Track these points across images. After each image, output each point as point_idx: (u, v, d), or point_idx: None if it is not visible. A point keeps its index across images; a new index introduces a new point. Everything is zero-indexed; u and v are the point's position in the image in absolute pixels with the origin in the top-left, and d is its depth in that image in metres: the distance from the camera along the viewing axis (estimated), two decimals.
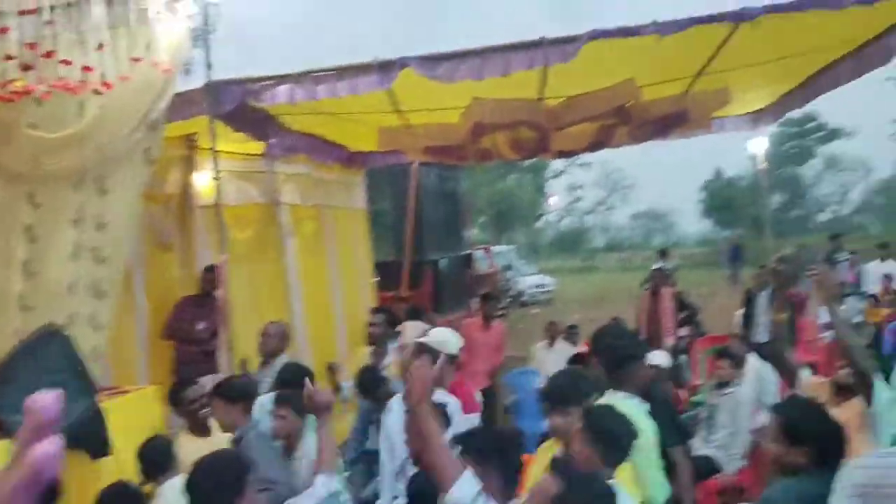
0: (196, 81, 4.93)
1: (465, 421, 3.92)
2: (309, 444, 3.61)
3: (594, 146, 6.22)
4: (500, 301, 18.46)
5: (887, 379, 3.38)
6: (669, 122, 5.81)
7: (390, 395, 4.49)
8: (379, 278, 9.22)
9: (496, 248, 20.18)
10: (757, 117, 7.22)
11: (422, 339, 4.10)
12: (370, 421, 4.98)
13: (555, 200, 56.34)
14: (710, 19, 4.07)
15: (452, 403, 3.98)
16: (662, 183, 75.77)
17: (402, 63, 4.32)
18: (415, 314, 6.41)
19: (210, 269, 5.73)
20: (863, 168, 59.29)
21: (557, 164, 54.25)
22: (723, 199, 48.30)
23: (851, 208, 62.21)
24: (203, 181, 5.94)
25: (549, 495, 2.24)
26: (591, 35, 4.06)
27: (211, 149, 4.93)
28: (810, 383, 3.65)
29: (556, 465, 2.44)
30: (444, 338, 4.20)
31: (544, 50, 4.18)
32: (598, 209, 66.50)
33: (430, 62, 4.29)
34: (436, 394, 3.93)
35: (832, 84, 5.48)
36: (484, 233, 44.22)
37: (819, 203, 60.02)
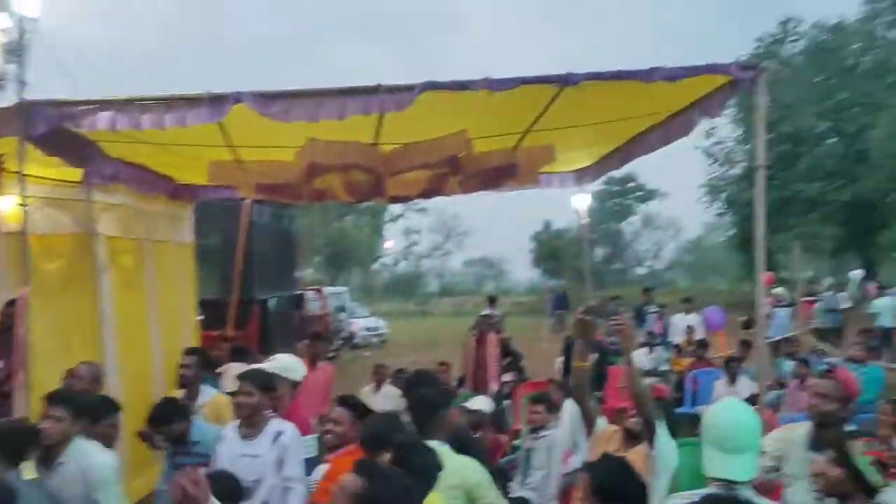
0: (8, 99, 4.56)
1: (301, 444, 4.06)
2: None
3: (427, 193, 6.34)
4: (330, 343, 18.24)
5: (671, 426, 3.64)
6: (500, 174, 6.05)
7: (185, 431, 4.39)
8: (204, 316, 8.82)
9: (329, 290, 19.99)
10: (580, 175, 7.68)
11: (267, 366, 4.14)
12: (174, 465, 4.68)
13: (391, 244, 56.81)
14: (538, 80, 4.29)
15: (289, 429, 4.02)
16: (496, 231, 78.53)
17: (235, 97, 4.20)
18: (240, 355, 6.18)
19: (11, 304, 5.23)
20: (674, 227, 64.66)
21: (396, 207, 54.86)
22: (550, 250, 50.75)
23: (664, 264, 67.47)
24: (7, 206, 5.44)
25: (351, 493, 2.25)
26: (425, 85, 4.16)
27: (18, 172, 4.54)
28: (603, 430, 3.84)
29: (359, 466, 2.44)
30: (289, 364, 4.27)
31: (380, 97, 4.24)
32: (434, 254, 67.85)
33: (265, 99, 4.21)
34: (273, 421, 3.92)
35: (645, 149, 5.95)
36: (318, 273, 43.70)
37: (637, 257, 64.58)
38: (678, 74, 4.19)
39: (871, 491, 2.58)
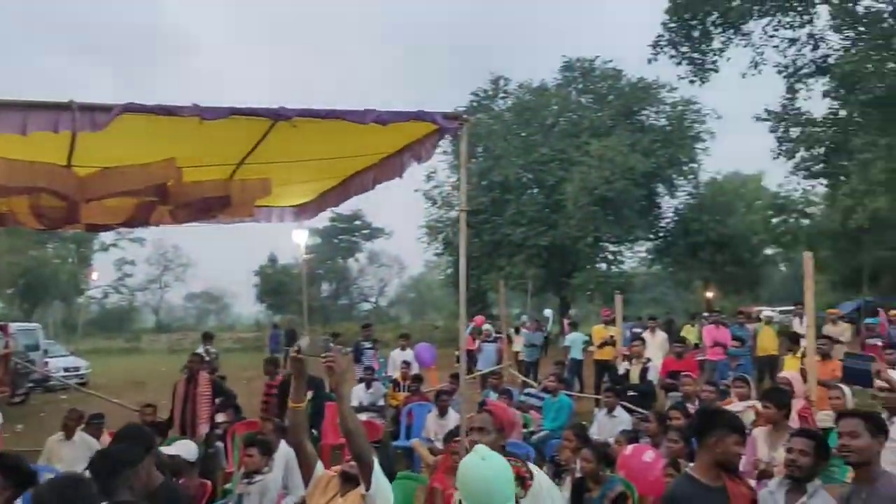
0: None
1: None
2: None
3: (133, 222, 5.90)
4: (18, 386, 16.11)
5: (388, 460, 3.66)
6: (212, 205, 5.81)
7: None
8: None
9: (16, 326, 17.67)
10: (300, 210, 7.66)
11: None
12: None
13: (96, 275, 51.62)
14: (249, 112, 4.19)
15: None
16: (220, 265, 75.67)
17: None
18: None
19: None
20: (398, 265, 67.16)
21: (107, 236, 50.57)
22: (276, 284, 49.97)
23: (388, 300, 69.64)
24: None
25: None
26: (125, 107, 3.85)
27: None
28: (322, 475, 3.74)
29: None
30: None
31: (73, 114, 3.84)
32: (151, 287, 63.47)
33: None
34: None
35: (361, 188, 6.09)
36: (9, 307, 38.64)
37: (362, 293, 65.91)
38: (388, 118, 4.34)
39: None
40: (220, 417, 8.48)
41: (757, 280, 36.83)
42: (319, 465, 3.79)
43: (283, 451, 5.83)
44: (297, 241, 8.83)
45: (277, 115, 4.19)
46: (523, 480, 2.77)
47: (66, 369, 20.07)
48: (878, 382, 5.26)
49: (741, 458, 3.68)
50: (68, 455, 6.86)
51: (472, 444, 3.60)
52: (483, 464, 2.63)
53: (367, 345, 13.28)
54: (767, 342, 13.52)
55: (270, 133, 4.63)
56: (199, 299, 71.97)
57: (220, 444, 8.10)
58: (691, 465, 3.97)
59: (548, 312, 27.18)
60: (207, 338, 14.50)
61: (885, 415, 5.04)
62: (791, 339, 11.04)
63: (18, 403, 16.15)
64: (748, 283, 35.50)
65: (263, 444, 5.59)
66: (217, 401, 8.18)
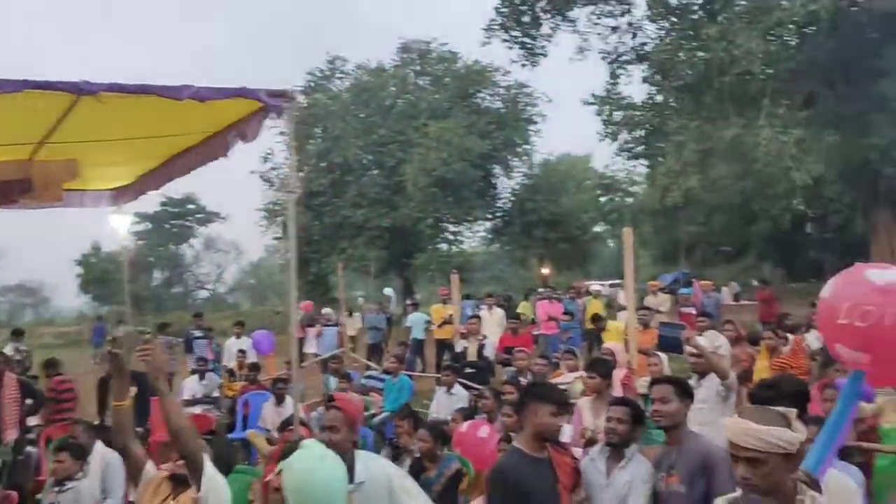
0: None
1: None
2: None
3: None
4: None
5: (225, 454, 3.47)
6: (11, 189, 5.25)
7: None
8: None
9: None
10: (118, 194, 7.12)
11: None
12: None
13: None
14: (48, 86, 3.79)
15: None
16: (36, 254, 69.71)
17: None
18: None
19: None
20: (236, 250, 64.87)
21: None
22: (100, 273, 46.71)
23: (226, 287, 67.19)
24: None
25: None
26: None
27: None
28: (152, 476, 3.49)
29: None
30: None
31: None
32: None
33: None
34: None
35: (184, 169, 5.72)
36: None
37: (198, 281, 63.14)
38: (207, 95, 4.08)
39: None
40: (33, 420, 7.80)
41: (587, 256, 38.94)
42: (149, 466, 3.55)
43: (100, 453, 5.43)
44: (116, 225, 8.18)
45: (80, 90, 3.81)
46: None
47: None
48: (687, 349, 5.66)
49: (559, 428, 3.80)
50: None
51: (327, 442, 3.50)
52: (320, 466, 2.47)
53: (198, 334, 12.70)
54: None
55: (74, 109, 4.22)
56: (13, 293, 66.08)
57: (32, 449, 7.46)
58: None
59: (388, 291, 27.26)
60: (17, 334, 13.31)
61: (694, 378, 5.44)
62: (615, 308, 11.69)
63: None
64: (579, 260, 37.45)
65: (75, 448, 5.17)
66: (27, 402, 7.50)
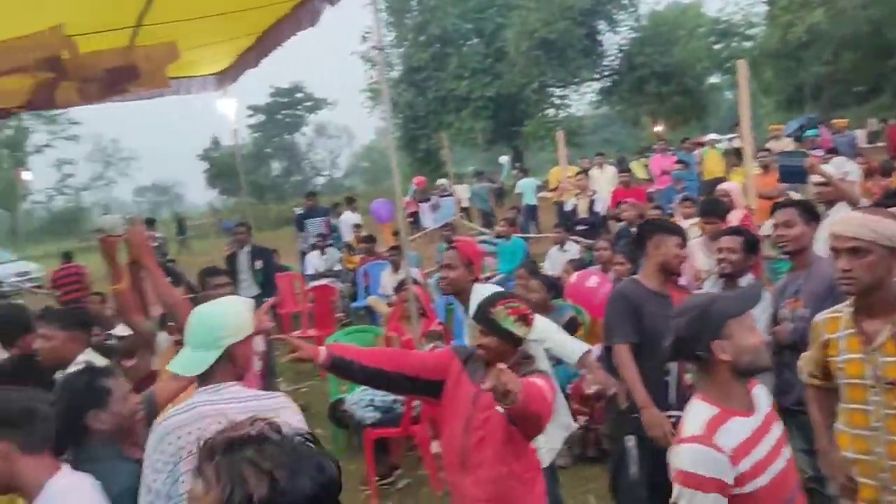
0: None
1: None
2: None
3: (36, 104, 5.50)
4: None
5: None
6: (119, 77, 5.42)
7: None
8: None
9: None
10: (221, 77, 7.26)
11: None
12: None
13: (30, 178, 49.20)
14: None
15: None
16: (164, 153, 73.42)
17: None
18: None
19: None
20: (347, 134, 65.89)
21: (38, 137, 48.65)
22: (223, 167, 48.78)
23: (342, 172, 68.82)
24: None
25: None
26: None
27: None
28: (167, 345, 3.75)
29: None
30: None
31: None
32: (96, 185, 61.78)
33: None
34: None
35: (278, 41, 5.75)
36: None
37: (314, 167, 64.88)
38: None
39: (519, 342, 2.78)
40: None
41: (704, 109, 36.88)
42: (161, 336, 3.82)
43: None
44: (224, 111, 8.40)
45: None
46: (526, 318, 2.78)
47: (17, 274, 19.87)
48: (812, 178, 5.25)
49: (683, 261, 3.68)
50: None
51: (444, 279, 3.70)
52: (213, 304, 2.40)
53: (301, 212, 13.12)
54: (713, 165, 13.62)
55: None
56: (150, 192, 70.55)
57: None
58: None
59: (503, 160, 27.11)
60: (150, 223, 14.33)
61: (821, 208, 5.12)
62: (736, 155, 11.13)
63: None
64: (696, 113, 35.53)
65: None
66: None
